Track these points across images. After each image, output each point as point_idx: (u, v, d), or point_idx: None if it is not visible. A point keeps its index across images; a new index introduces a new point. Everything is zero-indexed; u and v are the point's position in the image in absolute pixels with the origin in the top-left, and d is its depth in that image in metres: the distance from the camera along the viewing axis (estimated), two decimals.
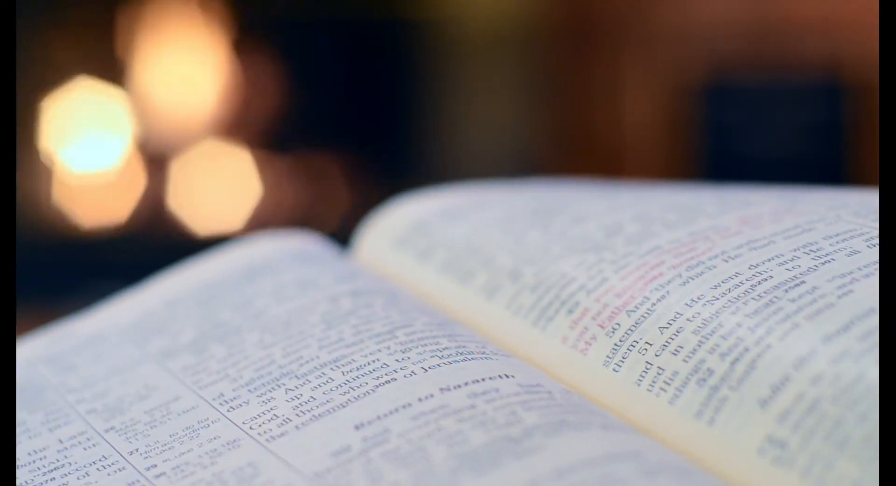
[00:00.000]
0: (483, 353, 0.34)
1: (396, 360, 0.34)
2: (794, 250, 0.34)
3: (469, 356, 0.34)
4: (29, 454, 0.35)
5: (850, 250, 0.33)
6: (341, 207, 1.71)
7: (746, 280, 0.33)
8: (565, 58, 1.76)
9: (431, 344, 0.35)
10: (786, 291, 0.32)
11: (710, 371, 0.31)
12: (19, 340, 0.42)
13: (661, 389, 0.32)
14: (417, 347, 0.35)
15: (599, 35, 1.75)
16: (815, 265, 0.33)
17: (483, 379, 0.33)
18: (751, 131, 1.70)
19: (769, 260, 0.34)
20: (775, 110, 1.69)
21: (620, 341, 0.34)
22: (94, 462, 0.34)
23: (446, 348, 0.35)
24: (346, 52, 1.74)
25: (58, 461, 0.34)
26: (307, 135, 1.76)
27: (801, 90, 1.69)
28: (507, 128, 1.75)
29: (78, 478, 0.33)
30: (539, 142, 1.78)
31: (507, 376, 0.33)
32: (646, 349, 0.33)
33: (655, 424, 0.31)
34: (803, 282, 0.32)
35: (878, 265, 0.32)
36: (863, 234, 0.34)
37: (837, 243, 0.34)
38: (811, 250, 0.34)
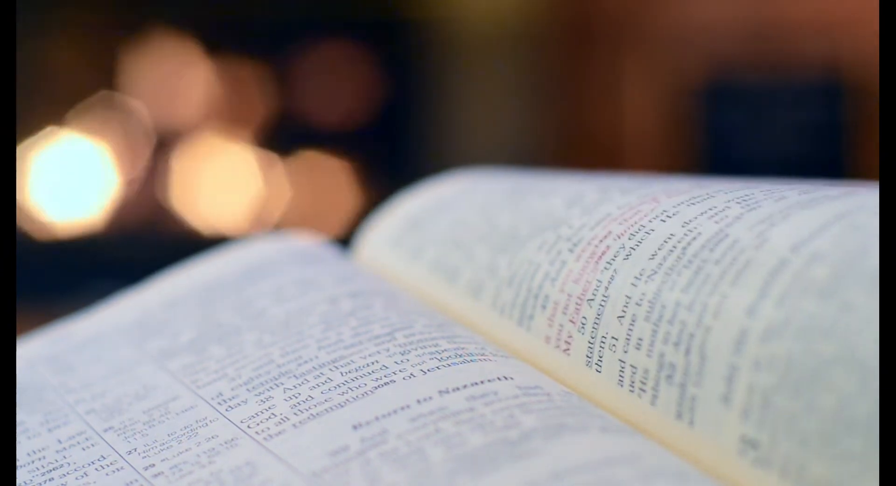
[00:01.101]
0: (482, 355, 0.34)
1: (395, 362, 0.34)
2: (728, 202, 0.34)
3: (468, 358, 0.34)
4: (28, 454, 0.35)
5: (780, 196, 0.33)
6: (342, 207, 1.72)
7: (678, 242, 0.33)
8: (565, 58, 1.76)
9: (430, 346, 0.35)
10: (711, 250, 0.32)
11: (673, 366, 0.31)
12: (19, 340, 0.42)
13: (641, 389, 0.32)
14: (416, 349, 0.35)
15: (599, 35, 1.75)
16: (742, 213, 0.32)
17: (482, 381, 0.33)
18: (751, 131, 1.70)
19: (702, 214, 0.33)
20: (775, 110, 1.69)
21: (592, 337, 0.34)
22: (92, 462, 0.34)
23: (445, 350, 0.35)
24: (347, 51, 1.74)
25: (57, 461, 0.34)
26: (308, 134, 1.76)
27: (801, 90, 1.69)
28: (508, 128, 1.75)
29: (77, 478, 0.33)
30: (539, 142, 1.78)
31: (505, 378, 0.33)
32: (614, 345, 0.33)
33: (646, 427, 0.31)
34: (727, 235, 0.32)
35: (798, 206, 0.31)
36: (798, 188, 0.33)
37: (771, 193, 0.33)
38: (743, 200, 0.33)
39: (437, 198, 0.45)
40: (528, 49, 1.75)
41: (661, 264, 0.33)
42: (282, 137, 1.74)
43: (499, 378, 0.33)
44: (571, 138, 1.78)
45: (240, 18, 1.73)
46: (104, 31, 1.71)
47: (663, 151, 1.74)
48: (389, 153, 1.77)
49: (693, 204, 0.34)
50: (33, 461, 0.34)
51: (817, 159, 1.68)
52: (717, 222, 0.33)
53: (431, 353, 0.34)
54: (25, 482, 0.34)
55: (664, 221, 0.34)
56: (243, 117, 1.73)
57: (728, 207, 0.33)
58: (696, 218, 0.33)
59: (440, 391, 0.32)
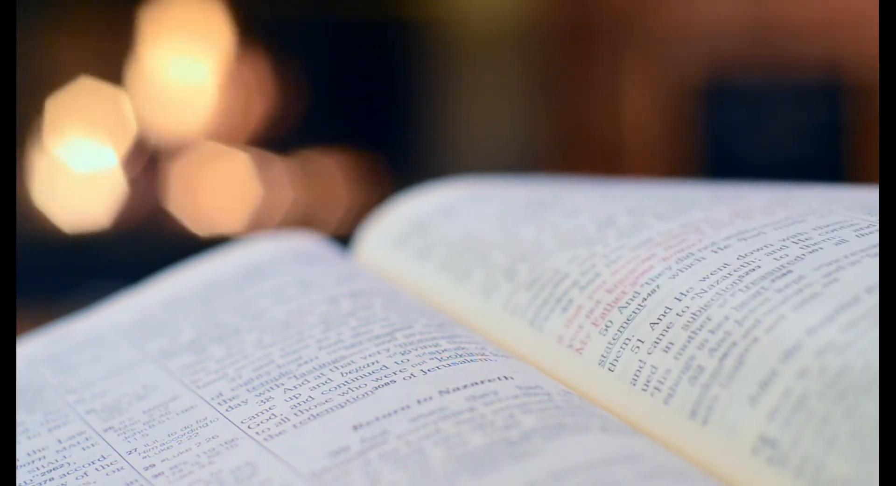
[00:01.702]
0: (482, 354, 0.35)
1: (395, 362, 0.34)
2: (783, 240, 0.34)
3: (468, 358, 0.34)
4: (28, 454, 0.35)
5: (839, 239, 0.34)
6: (342, 207, 1.72)
7: (734, 271, 0.33)
8: (565, 58, 1.76)
9: (430, 346, 0.35)
10: (772, 281, 0.32)
11: (701, 368, 0.31)
12: (19, 340, 0.42)
13: (656, 388, 0.32)
14: (416, 349, 0.35)
15: (599, 35, 1.75)
16: (803, 254, 0.33)
17: (482, 381, 0.33)
18: (751, 131, 1.70)
19: (758, 250, 0.34)
20: (775, 110, 1.69)
21: (614, 339, 0.34)
22: (92, 462, 0.34)
23: (445, 349, 0.35)
24: (347, 52, 1.74)
25: (57, 461, 0.34)
26: (307, 135, 1.76)
27: (801, 90, 1.68)
28: (508, 128, 1.75)
29: (77, 478, 0.33)
30: (539, 142, 1.78)
31: (506, 377, 0.33)
32: (638, 347, 0.33)
33: (653, 425, 0.31)
34: (790, 271, 0.33)
35: (864, 254, 0.32)
36: (853, 225, 0.34)
37: (827, 233, 0.34)
38: (800, 240, 0.34)
39: (442, 202, 0.45)
40: (528, 49, 1.75)
41: (712, 286, 0.33)
42: (281, 137, 1.74)
43: (499, 378, 0.33)
44: (571, 138, 1.78)
45: (241, 18, 1.73)
46: (105, 29, 1.71)
47: (663, 150, 1.74)
48: (389, 154, 1.77)
49: (743, 239, 0.35)
50: (33, 461, 0.34)
51: (817, 159, 1.68)
52: (776, 259, 0.33)
53: (431, 353, 0.34)
54: (25, 482, 0.34)
55: (716, 252, 0.35)
56: (244, 117, 1.73)
57: (785, 246, 0.34)
58: (751, 253, 0.34)
59: (440, 391, 0.32)
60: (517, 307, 0.37)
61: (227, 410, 0.34)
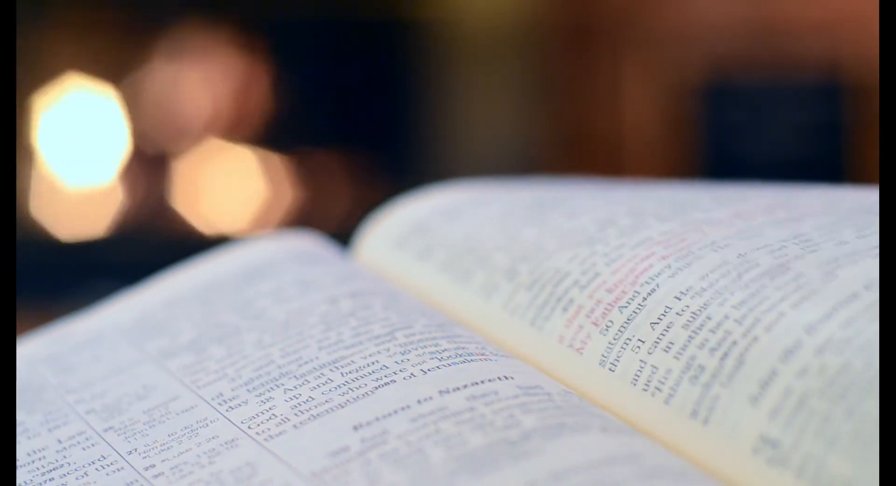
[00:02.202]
0: (482, 354, 0.35)
1: (395, 362, 0.34)
2: (783, 240, 0.34)
3: (468, 358, 0.34)
4: (28, 454, 0.35)
5: (839, 239, 0.34)
6: (342, 206, 1.72)
7: (733, 269, 0.34)
8: (565, 58, 1.76)
9: (431, 346, 0.35)
10: (771, 278, 0.32)
11: (702, 368, 0.31)
12: (19, 340, 0.42)
13: (657, 388, 0.32)
14: (416, 348, 0.35)
15: (599, 35, 1.75)
16: (802, 253, 0.33)
17: (482, 381, 0.33)
18: (751, 131, 1.70)
19: (757, 249, 0.34)
20: (775, 110, 1.69)
21: (614, 339, 0.34)
22: (92, 462, 0.34)
23: (445, 349, 0.35)
24: (347, 51, 1.74)
25: (57, 461, 0.34)
26: (308, 135, 1.76)
27: (801, 90, 1.69)
28: (507, 128, 1.75)
29: (77, 478, 0.33)
30: (539, 142, 1.78)
31: (506, 377, 0.33)
32: (639, 347, 0.33)
33: (654, 425, 0.31)
34: (789, 269, 0.33)
35: (865, 253, 0.33)
36: (853, 225, 0.34)
37: (827, 233, 0.34)
38: (800, 240, 0.34)
39: (443, 204, 0.45)
40: (528, 49, 1.75)
41: (711, 285, 0.33)
42: (282, 137, 1.74)
43: (499, 378, 0.33)
44: (572, 138, 1.78)
45: (242, 17, 1.73)
46: (107, 29, 1.71)
47: (663, 150, 1.74)
48: (389, 153, 1.77)
49: (743, 239, 0.35)
50: (33, 461, 0.34)
51: (817, 159, 1.68)
52: (776, 258, 0.33)
53: (431, 353, 0.34)
54: (25, 482, 0.34)
55: (716, 251, 0.35)
56: (246, 117, 1.73)
57: (785, 246, 0.34)
58: (751, 252, 0.34)
59: (440, 391, 0.32)
60: (518, 307, 0.37)
61: (227, 410, 0.34)
